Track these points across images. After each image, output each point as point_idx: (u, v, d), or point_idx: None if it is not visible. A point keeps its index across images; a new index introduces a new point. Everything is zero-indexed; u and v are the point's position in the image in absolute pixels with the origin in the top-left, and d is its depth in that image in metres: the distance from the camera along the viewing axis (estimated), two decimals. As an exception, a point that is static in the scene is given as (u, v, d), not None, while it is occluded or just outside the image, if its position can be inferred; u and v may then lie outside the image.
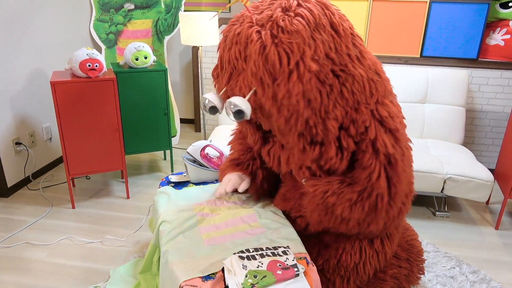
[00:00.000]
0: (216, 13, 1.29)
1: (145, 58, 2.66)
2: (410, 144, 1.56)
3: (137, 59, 2.63)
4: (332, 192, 1.26)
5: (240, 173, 1.58)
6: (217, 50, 1.25)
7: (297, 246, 1.37)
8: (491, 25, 2.89)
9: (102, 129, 2.42)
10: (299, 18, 1.06)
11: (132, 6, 3.44)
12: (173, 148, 3.44)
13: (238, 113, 1.10)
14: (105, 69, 2.41)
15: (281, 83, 1.06)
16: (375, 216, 1.28)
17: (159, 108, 2.78)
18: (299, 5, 1.09)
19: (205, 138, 3.33)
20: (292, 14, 1.07)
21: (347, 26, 1.15)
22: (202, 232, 1.43)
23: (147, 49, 2.67)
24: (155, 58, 2.80)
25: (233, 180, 1.56)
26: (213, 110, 1.20)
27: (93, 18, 3.41)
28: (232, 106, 1.10)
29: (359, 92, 1.16)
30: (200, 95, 3.34)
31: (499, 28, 2.86)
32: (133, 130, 2.75)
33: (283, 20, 1.06)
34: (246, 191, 1.62)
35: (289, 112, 1.11)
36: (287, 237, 1.41)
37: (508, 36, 2.82)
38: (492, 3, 2.82)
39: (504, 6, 2.81)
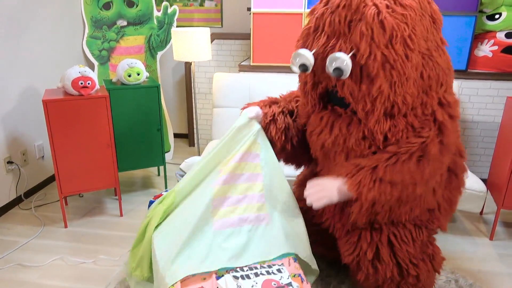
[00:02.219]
0: None
1: (138, 74, 2.66)
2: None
3: (129, 76, 2.64)
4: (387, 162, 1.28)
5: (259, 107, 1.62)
6: (310, 13, 1.32)
7: (298, 247, 1.40)
8: (478, 36, 2.94)
9: (95, 146, 2.41)
10: None
11: (125, 23, 3.46)
12: (167, 164, 3.42)
13: (338, 70, 1.16)
14: (97, 86, 2.41)
15: (395, 47, 1.13)
16: (428, 168, 1.28)
17: (152, 124, 2.78)
18: None
19: (199, 153, 3.32)
20: None
21: (440, 18, 1.25)
22: (215, 205, 1.48)
23: (139, 65, 2.68)
24: (148, 74, 2.81)
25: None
26: (303, 67, 1.24)
27: (86, 35, 3.42)
28: (336, 62, 1.15)
29: (434, 78, 1.23)
30: (194, 109, 3.34)
31: (487, 39, 2.91)
32: (126, 146, 2.74)
33: None
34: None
35: (397, 77, 1.15)
36: (292, 230, 1.44)
37: (495, 48, 2.87)
38: (479, 15, 2.87)
39: (491, 18, 2.86)
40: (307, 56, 1.22)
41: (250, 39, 3.04)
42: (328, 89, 1.35)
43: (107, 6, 3.42)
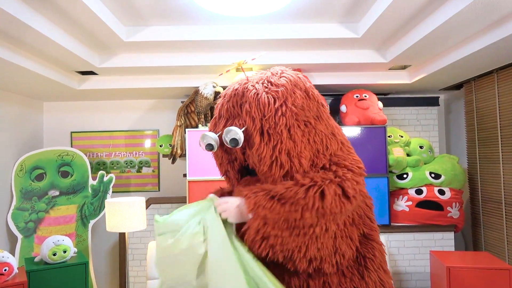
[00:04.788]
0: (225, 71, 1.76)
1: (64, 252, 2.51)
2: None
3: (54, 255, 2.48)
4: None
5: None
6: (215, 109, 1.60)
7: None
8: (394, 193, 3.28)
9: None
10: (284, 78, 1.46)
11: (57, 193, 3.40)
12: None
13: (234, 140, 1.39)
14: (15, 271, 2.21)
15: (269, 118, 1.39)
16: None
17: (77, 305, 2.51)
18: (282, 72, 1.51)
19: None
20: (279, 76, 1.48)
21: (316, 93, 1.51)
22: None
23: (67, 242, 2.56)
24: (76, 250, 2.66)
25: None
26: (210, 146, 1.47)
27: (12, 208, 3.27)
28: (230, 134, 1.39)
29: (318, 143, 1.44)
30: (127, 278, 3.13)
31: (401, 195, 3.25)
32: (42, 338, 2.39)
33: (271, 79, 1.46)
34: None
35: (273, 141, 1.37)
36: None
37: (410, 203, 3.19)
38: (390, 175, 3.26)
39: (400, 178, 3.26)
40: (211, 136, 1.47)
41: (186, 202, 3.11)
42: (243, 165, 1.56)
43: (39, 178, 3.39)
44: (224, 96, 1.57)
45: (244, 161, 1.53)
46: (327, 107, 1.64)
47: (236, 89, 1.51)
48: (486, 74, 3.09)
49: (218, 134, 1.51)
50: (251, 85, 1.47)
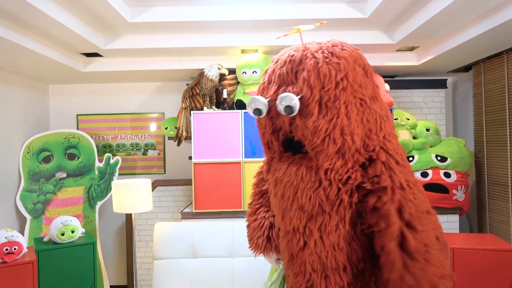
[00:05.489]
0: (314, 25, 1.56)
1: (72, 232, 2.55)
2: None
3: (63, 234, 2.52)
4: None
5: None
6: (263, 74, 1.52)
7: None
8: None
9: (14, 321, 2.13)
10: (346, 51, 1.37)
11: (64, 175, 3.44)
12: (100, 326, 3.06)
13: (288, 108, 1.32)
14: (25, 250, 2.26)
15: (328, 90, 1.32)
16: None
17: (85, 283, 2.56)
18: (343, 45, 1.41)
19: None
20: (340, 48, 1.38)
21: (371, 70, 1.44)
22: None
23: (75, 222, 2.59)
24: (84, 230, 2.70)
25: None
26: (258, 111, 1.40)
27: (20, 189, 3.31)
28: (285, 100, 1.32)
29: (372, 122, 1.38)
30: (134, 259, 3.18)
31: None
32: (52, 315, 2.45)
33: (333, 49, 1.37)
34: None
35: (331, 114, 1.32)
36: None
37: (415, 186, 3.18)
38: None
39: (406, 160, 3.24)
40: (261, 100, 1.39)
41: (192, 184, 3.13)
42: (288, 137, 1.48)
43: (47, 160, 3.43)
44: (277, 62, 1.49)
45: (290, 132, 1.46)
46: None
47: (293, 56, 1.42)
48: (496, 56, 3.03)
49: (268, 99, 1.44)
50: (310, 53, 1.39)
